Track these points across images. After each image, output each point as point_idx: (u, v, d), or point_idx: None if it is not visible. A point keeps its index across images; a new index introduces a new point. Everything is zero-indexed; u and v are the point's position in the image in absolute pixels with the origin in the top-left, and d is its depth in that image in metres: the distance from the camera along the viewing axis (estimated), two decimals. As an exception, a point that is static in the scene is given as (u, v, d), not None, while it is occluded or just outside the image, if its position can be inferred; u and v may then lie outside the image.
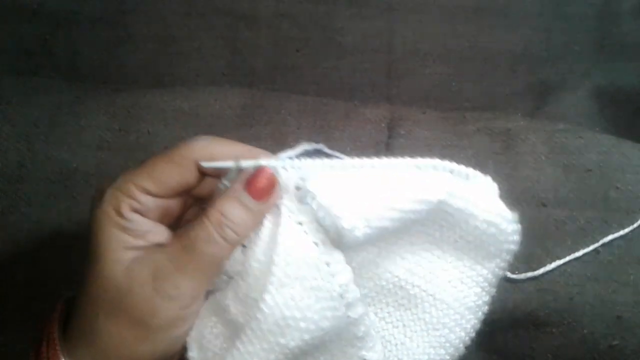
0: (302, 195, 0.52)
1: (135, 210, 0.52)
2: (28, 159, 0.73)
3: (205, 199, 0.58)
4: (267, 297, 0.50)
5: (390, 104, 0.86)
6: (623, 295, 0.67)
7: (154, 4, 0.88)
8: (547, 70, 0.91)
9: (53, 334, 0.52)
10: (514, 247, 0.57)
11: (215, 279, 0.53)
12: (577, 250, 0.68)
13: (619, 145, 0.74)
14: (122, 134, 0.75)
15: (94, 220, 0.52)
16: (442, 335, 0.57)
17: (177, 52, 0.90)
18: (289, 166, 0.53)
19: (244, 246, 0.53)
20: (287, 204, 0.52)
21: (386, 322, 0.58)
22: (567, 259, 0.68)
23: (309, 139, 0.76)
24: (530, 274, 0.66)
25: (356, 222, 0.51)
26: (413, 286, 0.57)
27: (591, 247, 0.68)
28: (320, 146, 0.57)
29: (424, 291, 0.57)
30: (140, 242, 0.52)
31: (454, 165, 0.55)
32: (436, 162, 0.55)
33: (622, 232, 0.69)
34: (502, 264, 0.58)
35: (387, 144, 0.76)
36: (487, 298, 0.59)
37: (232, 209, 0.52)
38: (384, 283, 0.58)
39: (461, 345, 0.58)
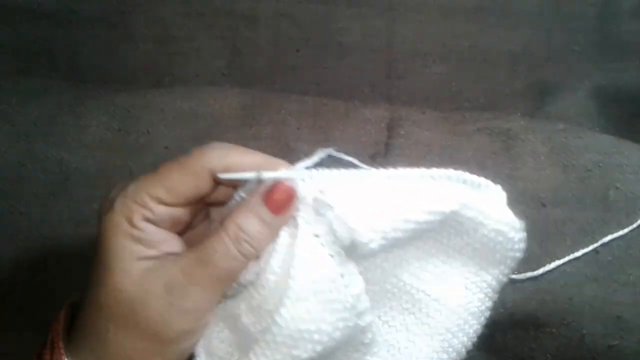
0: (319, 206, 0.52)
1: (148, 220, 0.51)
2: (28, 159, 0.73)
3: (214, 204, 0.57)
4: (283, 311, 0.50)
5: (390, 104, 0.85)
6: (622, 295, 0.67)
7: (154, 4, 0.88)
8: (547, 70, 0.91)
9: (58, 340, 0.51)
10: (519, 255, 0.57)
11: (228, 291, 0.53)
12: (577, 250, 0.68)
13: (618, 146, 0.74)
14: (122, 134, 0.75)
15: (104, 230, 0.51)
16: (446, 340, 0.57)
17: (177, 52, 0.89)
18: (308, 178, 0.52)
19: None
20: (305, 215, 0.52)
21: (389, 326, 0.58)
22: (567, 259, 0.68)
23: (309, 139, 0.76)
24: (529, 274, 0.66)
25: (372, 235, 0.51)
26: (418, 290, 0.57)
27: (590, 247, 0.68)
28: (335, 152, 0.56)
29: (429, 296, 0.57)
30: (152, 252, 0.51)
31: (467, 176, 0.55)
32: (450, 172, 0.55)
33: (621, 232, 0.69)
34: (506, 271, 0.58)
35: (386, 144, 0.76)
36: (489, 304, 0.59)
37: (250, 223, 0.51)
38: (389, 287, 0.57)
39: (463, 350, 0.58)
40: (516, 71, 0.91)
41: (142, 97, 0.78)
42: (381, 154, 0.75)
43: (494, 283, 0.58)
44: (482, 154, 0.74)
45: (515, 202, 0.57)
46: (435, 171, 0.54)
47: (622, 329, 0.67)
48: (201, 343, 0.53)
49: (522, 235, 0.56)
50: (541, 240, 0.69)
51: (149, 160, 0.74)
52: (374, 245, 0.51)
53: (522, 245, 0.56)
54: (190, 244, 0.54)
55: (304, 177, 0.52)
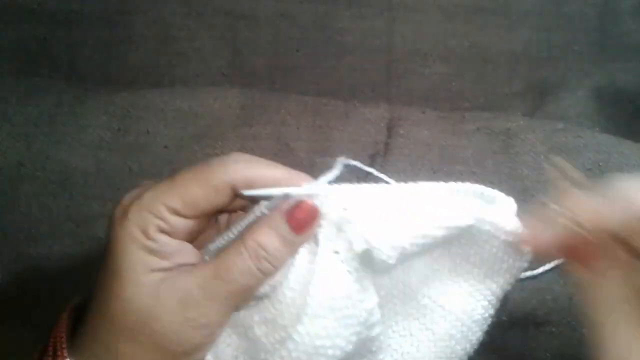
0: (342, 223, 0.50)
1: (162, 231, 0.50)
2: (27, 159, 0.73)
3: (227, 212, 0.56)
4: (300, 327, 0.49)
5: (390, 104, 0.85)
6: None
7: (154, 4, 0.88)
8: (547, 70, 0.91)
9: (62, 348, 0.50)
10: (525, 265, 0.57)
11: (243, 306, 0.52)
12: (577, 249, 0.68)
13: (618, 145, 0.74)
14: (122, 134, 0.75)
15: (117, 239, 0.49)
16: (449, 346, 0.57)
17: (177, 52, 0.89)
18: (333, 194, 0.51)
19: None
20: (326, 232, 0.51)
21: (393, 331, 0.58)
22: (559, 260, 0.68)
23: (309, 139, 0.76)
24: (529, 273, 0.66)
25: (392, 252, 0.50)
26: (424, 296, 0.57)
27: (590, 247, 0.68)
28: (356, 163, 0.54)
29: (434, 302, 0.57)
30: (166, 264, 0.50)
31: (483, 189, 0.54)
32: (468, 186, 0.54)
33: (621, 232, 0.69)
34: (512, 280, 0.58)
35: (386, 143, 0.76)
36: (492, 311, 0.59)
37: (270, 241, 0.49)
38: (395, 292, 0.57)
39: (465, 357, 0.58)
40: (516, 71, 0.91)
41: (142, 97, 0.78)
42: (381, 153, 0.75)
43: (498, 291, 0.58)
44: (481, 153, 0.74)
45: (515, 202, 0.57)
46: (453, 185, 0.54)
47: (621, 328, 0.67)
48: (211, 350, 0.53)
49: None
50: (541, 239, 0.69)
51: (148, 160, 0.74)
52: (392, 262, 0.51)
53: (530, 257, 0.56)
54: (197, 246, 0.53)
55: (329, 193, 0.51)
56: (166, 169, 0.74)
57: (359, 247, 0.50)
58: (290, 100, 0.80)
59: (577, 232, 0.46)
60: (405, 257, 0.52)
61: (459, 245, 0.56)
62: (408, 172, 0.73)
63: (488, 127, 0.77)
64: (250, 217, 0.52)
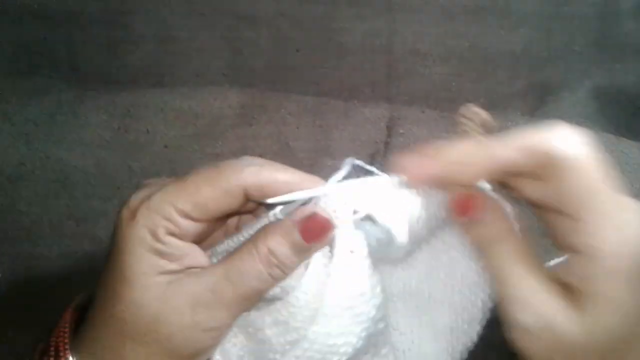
0: (358, 221, 0.50)
1: (172, 234, 0.49)
2: (28, 158, 0.74)
3: (236, 214, 0.55)
4: (315, 328, 0.49)
5: (390, 104, 0.86)
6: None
7: (154, 4, 0.88)
8: (547, 70, 0.91)
9: (65, 350, 0.50)
10: None
11: (252, 309, 0.52)
12: (576, 248, 0.68)
13: (617, 144, 0.74)
14: (122, 133, 0.75)
15: (124, 241, 0.48)
16: (449, 341, 0.57)
17: (177, 52, 0.89)
18: (347, 193, 0.50)
19: None
20: (342, 232, 0.50)
21: (394, 329, 0.58)
22: (566, 257, 0.68)
23: (308, 138, 0.76)
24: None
25: (406, 244, 0.51)
26: (423, 293, 0.57)
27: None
28: (360, 163, 0.54)
29: (434, 298, 0.57)
30: (175, 266, 0.49)
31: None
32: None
33: (621, 231, 0.69)
34: None
35: (386, 143, 0.76)
36: (490, 305, 0.59)
37: (281, 249, 0.48)
38: (395, 291, 0.57)
39: (466, 352, 0.58)
40: (516, 71, 0.91)
41: (142, 96, 0.78)
42: (380, 152, 0.75)
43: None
44: (481, 152, 0.74)
45: (514, 201, 0.57)
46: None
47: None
48: (217, 348, 0.53)
49: None
50: (540, 238, 0.69)
51: (148, 159, 0.74)
52: (410, 247, 0.51)
53: None
54: (204, 248, 0.52)
55: (344, 194, 0.50)
56: (166, 168, 0.74)
57: (377, 243, 0.50)
58: (290, 99, 0.81)
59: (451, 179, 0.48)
60: (415, 240, 0.52)
61: (457, 240, 0.56)
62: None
63: (488, 126, 0.77)
64: (263, 222, 0.51)
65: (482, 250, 0.50)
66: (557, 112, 0.88)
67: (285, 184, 0.50)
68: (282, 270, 0.49)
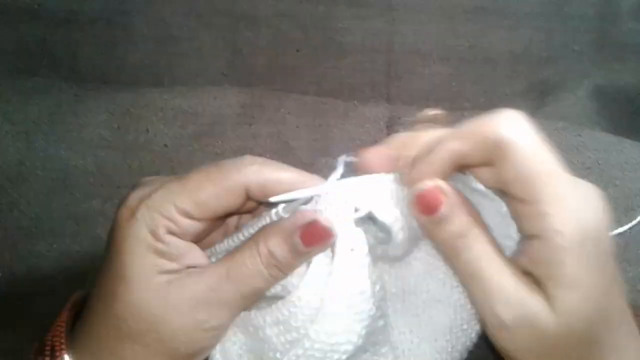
0: (358, 218, 0.50)
1: (172, 233, 0.49)
2: (27, 157, 0.74)
3: (235, 214, 0.55)
4: (316, 327, 0.49)
5: (390, 104, 0.86)
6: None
7: (154, 4, 0.88)
8: (547, 70, 0.91)
9: (60, 345, 0.50)
10: None
11: (250, 308, 0.52)
12: (576, 247, 0.68)
13: (617, 143, 0.74)
14: (122, 132, 0.75)
15: (123, 240, 0.48)
16: (448, 340, 0.57)
17: (177, 52, 0.89)
18: (347, 191, 0.50)
19: None
20: (343, 230, 0.50)
21: (393, 328, 0.58)
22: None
23: (308, 138, 0.76)
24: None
25: (405, 243, 0.51)
26: (422, 292, 0.57)
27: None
28: (354, 159, 0.54)
29: (432, 297, 0.56)
30: (174, 266, 0.49)
31: (475, 184, 0.54)
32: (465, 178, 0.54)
33: (620, 230, 0.69)
34: None
35: (386, 142, 0.76)
36: None
37: (281, 251, 0.49)
38: (394, 290, 0.57)
39: (465, 352, 0.58)
40: (516, 71, 0.91)
41: (142, 95, 0.78)
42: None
43: None
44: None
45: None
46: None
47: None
48: (217, 346, 0.53)
49: None
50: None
51: (148, 158, 0.74)
52: (408, 245, 0.52)
53: None
54: (202, 247, 0.53)
55: (346, 193, 0.50)
56: (166, 167, 0.74)
57: (377, 240, 0.51)
58: (290, 99, 0.81)
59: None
60: (412, 238, 0.52)
61: None
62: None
63: (487, 126, 0.77)
64: (264, 220, 0.51)
65: (449, 249, 0.50)
66: (557, 112, 0.88)
67: (287, 183, 0.50)
68: (282, 271, 0.50)
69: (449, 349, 0.57)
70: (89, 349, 0.50)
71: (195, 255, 0.51)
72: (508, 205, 0.49)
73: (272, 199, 0.49)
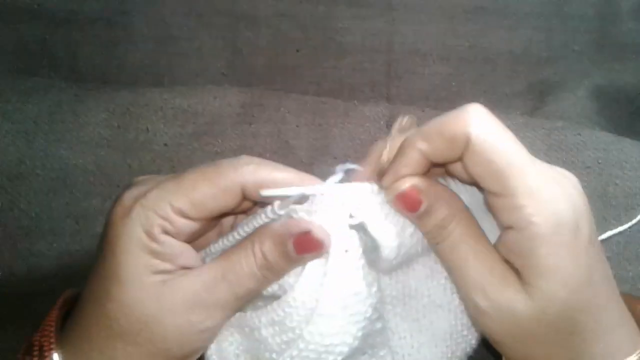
0: (352, 223, 0.50)
1: (166, 232, 0.48)
2: (28, 156, 0.74)
3: (231, 214, 0.55)
4: (311, 328, 0.49)
5: (390, 104, 0.86)
6: (621, 291, 0.67)
7: (154, 4, 0.88)
8: (547, 70, 0.91)
9: (49, 345, 0.49)
10: None
11: (245, 308, 0.52)
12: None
13: (617, 143, 0.74)
14: (121, 132, 0.75)
15: (117, 239, 0.48)
16: (449, 346, 0.57)
17: (177, 52, 0.89)
18: (344, 195, 0.50)
19: None
20: (337, 233, 0.50)
21: (393, 333, 0.58)
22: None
23: (308, 137, 0.76)
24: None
25: (396, 252, 0.51)
26: (423, 297, 0.57)
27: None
28: (355, 166, 0.54)
29: (433, 302, 0.57)
30: (168, 266, 0.48)
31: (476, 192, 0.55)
32: (469, 188, 0.54)
33: (620, 229, 0.69)
34: None
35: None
36: None
37: (274, 255, 0.49)
38: (394, 294, 0.57)
39: (465, 357, 0.58)
40: (516, 71, 0.91)
41: (142, 95, 0.78)
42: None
43: None
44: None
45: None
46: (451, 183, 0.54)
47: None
48: (213, 346, 0.53)
49: None
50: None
51: (148, 157, 0.74)
52: (395, 261, 0.52)
53: None
54: (196, 248, 0.52)
55: (340, 194, 0.50)
56: (166, 166, 0.74)
57: (370, 245, 0.51)
58: (289, 98, 0.81)
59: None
60: (406, 255, 0.52)
61: None
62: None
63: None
64: (259, 218, 0.51)
65: (431, 239, 0.51)
66: (557, 112, 0.88)
67: (283, 183, 0.50)
68: (274, 275, 0.50)
69: (449, 355, 0.57)
70: (79, 348, 0.49)
71: (189, 255, 0.51)
72: (484, 198, 0.50)
73: (264, 193, 0.49)
